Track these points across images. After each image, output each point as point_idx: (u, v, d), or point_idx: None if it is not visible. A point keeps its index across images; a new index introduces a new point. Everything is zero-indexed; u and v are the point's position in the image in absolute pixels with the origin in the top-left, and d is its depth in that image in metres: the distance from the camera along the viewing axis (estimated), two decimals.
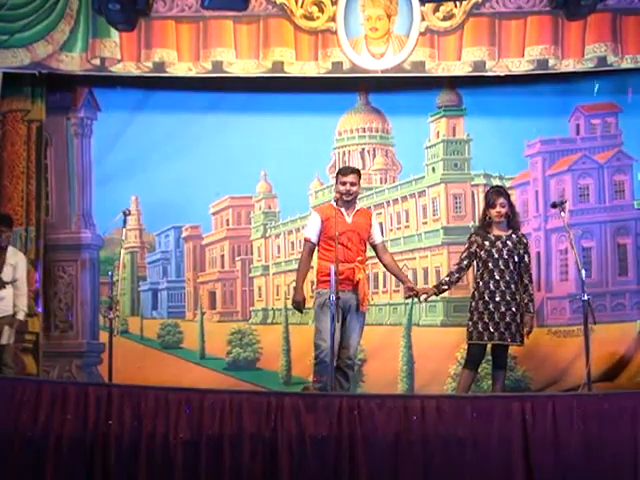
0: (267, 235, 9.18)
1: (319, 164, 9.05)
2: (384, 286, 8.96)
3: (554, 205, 7.22)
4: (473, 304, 7.02)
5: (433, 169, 9.05)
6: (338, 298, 6.39)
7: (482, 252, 6.98)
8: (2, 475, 5.63)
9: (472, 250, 7.07)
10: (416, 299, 7.35)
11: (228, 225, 9.23)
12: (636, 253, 8.69)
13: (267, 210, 9.18)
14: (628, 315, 8.62)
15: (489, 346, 7.03)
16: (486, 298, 6.92)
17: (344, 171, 7.13)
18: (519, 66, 8.18)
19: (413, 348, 8.72)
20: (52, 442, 5.68)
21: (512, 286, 6.92)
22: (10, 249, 7.85)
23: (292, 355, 8.84)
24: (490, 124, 8.82)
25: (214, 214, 9.19)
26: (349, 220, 7.01)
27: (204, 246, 9.24)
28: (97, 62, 8.23)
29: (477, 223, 7.38)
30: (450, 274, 7.26)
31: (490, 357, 7.26)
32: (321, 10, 8.22)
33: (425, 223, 9.02)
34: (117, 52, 8.20)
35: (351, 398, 5.85)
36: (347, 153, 9.17)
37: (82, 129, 9.01)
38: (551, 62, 8.15)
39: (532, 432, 5.63)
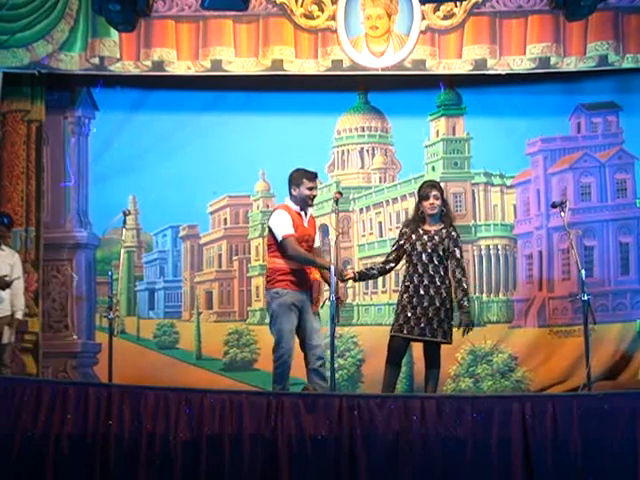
0: (265, 234, 9.14)
1: (318, 163, 8.89)
2: (383, 286, 8.96)
3: (554, 205, 7.17)
4: (400, 298, 6.79)
5: (433, 168, 9.05)
6: (338, 298, 6.35)
7: (407, 245, 6.75)
8: (2, 475, 5.62)
9: (400, 242, 6.85)
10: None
11: (226, 224, 9.22)
12: (638, 252, 8.69)
13: (265, 209, 9.17)
14: (629, 314, 8.62)
15: (420, 346, 6.79)
16: (410, 292, 6.67)
17: (310, 176, 6.81)
18: (520, 64, 8.15)
19: (412, 348, 8.68)
20: (52, 442, 5.66)
21: (436, 280, 6.64)
22: (7, 249, 7.83)
23: None
24: (491, 122, 8.84)
25: (212, 213, 9.18)
26: (306, 224, 6.82)
27: (202, 245, 9.23)
28: (96, 61, 8.22)
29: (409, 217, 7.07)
30: (376, 263, 7.08)
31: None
32: (321, 9, 8.22)
33: None
34: (116, 51, 8.19)
35: (351, 398, 5.80)
36: (346, 152, 9.16)
37: (79, 128, 9.01)
38: (553, 60, 8.13)
39: (532, 432, 5.59)
